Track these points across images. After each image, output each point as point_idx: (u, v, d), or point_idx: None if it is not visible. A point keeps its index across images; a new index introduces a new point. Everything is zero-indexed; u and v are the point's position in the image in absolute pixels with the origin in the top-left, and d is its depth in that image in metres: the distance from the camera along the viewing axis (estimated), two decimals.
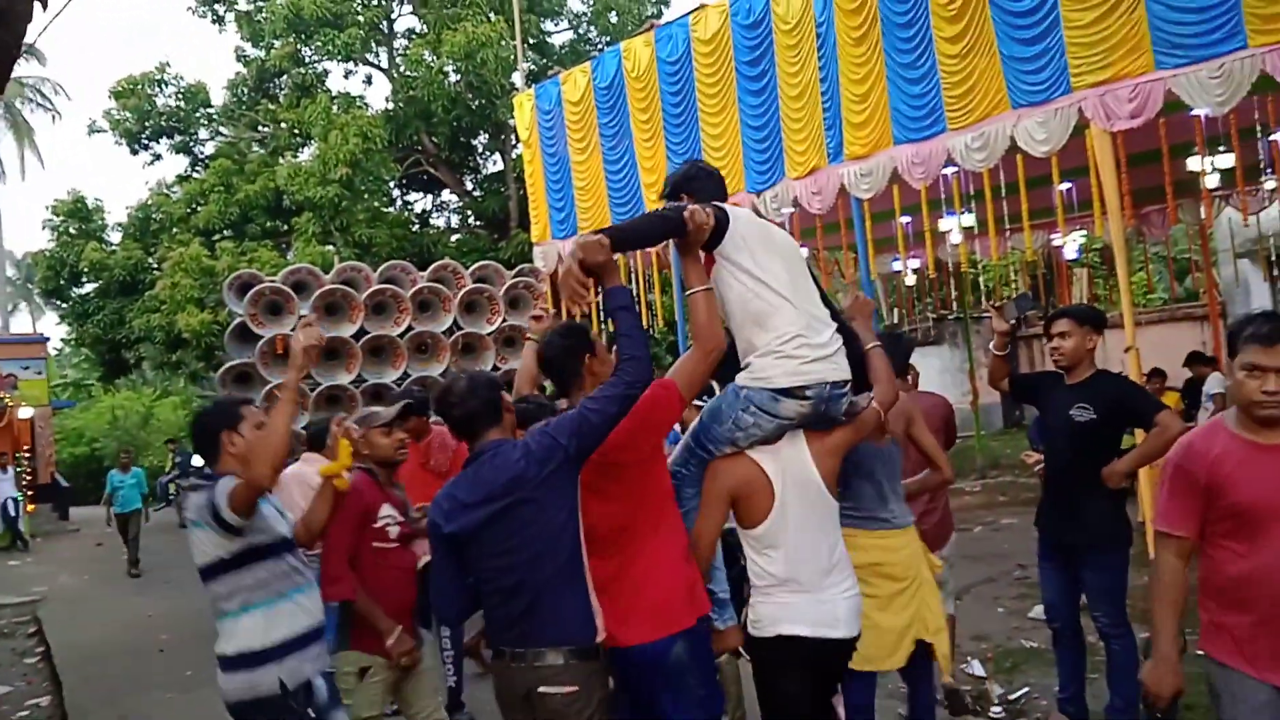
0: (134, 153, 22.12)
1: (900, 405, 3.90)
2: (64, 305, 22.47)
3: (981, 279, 19.57)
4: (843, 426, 3.28)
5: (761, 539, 3.20)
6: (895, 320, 20.85)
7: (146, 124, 21.56)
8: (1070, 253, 14.89)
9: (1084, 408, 4.52)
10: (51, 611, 11.24)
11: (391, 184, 21.68)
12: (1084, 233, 14.44)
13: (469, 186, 23.13)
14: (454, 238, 22.28)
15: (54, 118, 42.48)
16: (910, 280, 16.11)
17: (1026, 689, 5.55)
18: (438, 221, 24.26)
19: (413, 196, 24.32)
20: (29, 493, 20.11)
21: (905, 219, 10.65)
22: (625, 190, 11.97)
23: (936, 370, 19.35)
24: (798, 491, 3.18)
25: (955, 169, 9.19)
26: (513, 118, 16.16)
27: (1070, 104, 7.80)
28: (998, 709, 5.37)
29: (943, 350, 19.51)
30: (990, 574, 8.39)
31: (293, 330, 3.52)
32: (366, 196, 19.53)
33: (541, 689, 2.85)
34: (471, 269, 11.02)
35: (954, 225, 10.66)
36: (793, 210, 10.26)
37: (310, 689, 3.24)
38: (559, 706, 2.84)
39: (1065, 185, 9.68)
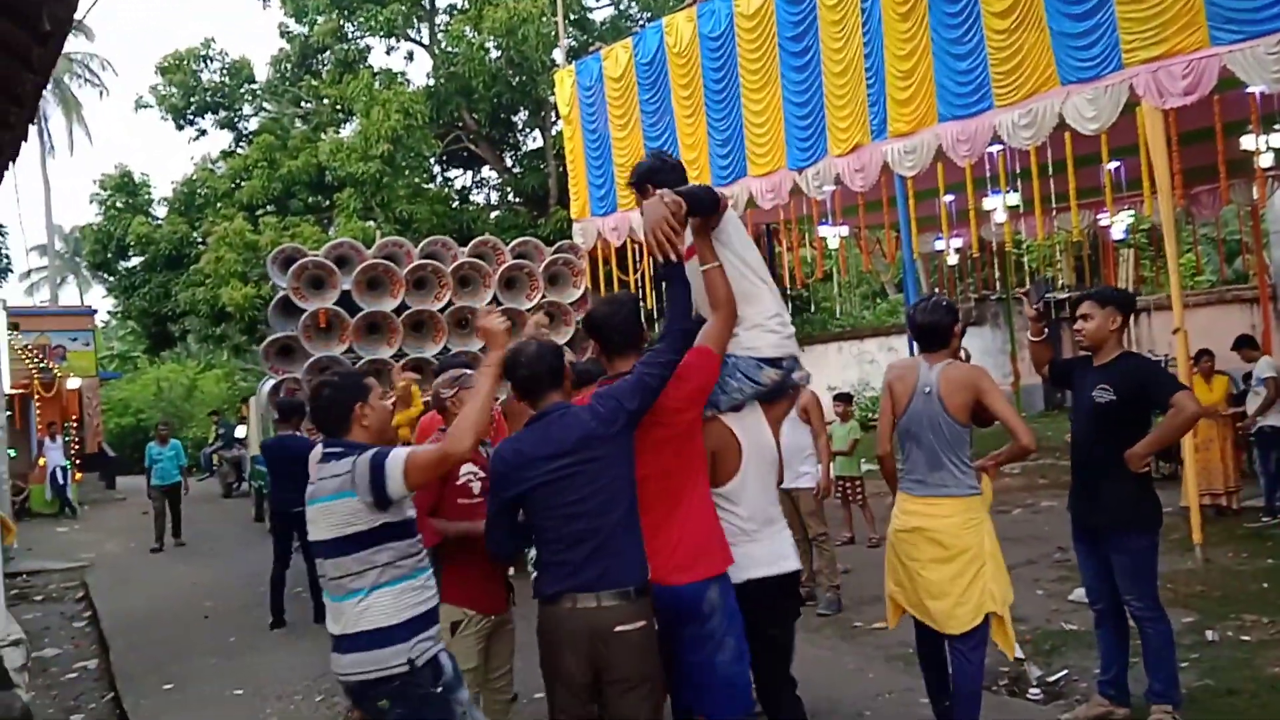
0: (179, 128, 22.37)
1: (967, 376, 4.17)
2: (111, 278, 22.85)
3: (1026, 259, 19.30)
4: (786, 398, 3.70)
5: (727, 495, 3.50)
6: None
7: (192, 100, 21.79)
8: (1117, 233, 14.65)
9: (1105, 389, 4.48)
10: (98, 578, 11.48)
11: (432, 160, 21.76)
12: (1132, 213, 14.19)
13: (509, 163, 23.16)
14: (493, 215, 22.33)
15: (101, 93, 42.96)
16: (952, 260, 15.94)
17: (1065, 671, 5.51)
18: (477, 198, 24.33)
19: (453, 173, 24.40)
20: (77, 461, 20.50)
21: (949, 197, 10.52)
22: None
23: (978, 352, 19.08)
24: (756, 453, 3.54)
25: (1001, 147, 9.07)
26: (553, 94, 16.16)
27: (1121, 80, 7.66)
28: (1035, 690, 5.33)
29: (984, 331, 19.25)
30: (1030, 556, 8.31)
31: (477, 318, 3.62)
32: (407, 173, 19.62)
33: (618, 628, 3.09)
34: (511, 245, 11.03)
35: (999, 204, 10.50)
36: (834, 188, 10.18)
37: (438, 666, 3.19)
38: (636, 640, 3.11)
39: (1114, 164, 9.51)
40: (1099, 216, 13.61)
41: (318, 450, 3.29)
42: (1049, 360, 4.98)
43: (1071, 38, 7.88)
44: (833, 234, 12.53)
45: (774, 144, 10.41)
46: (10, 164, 6.70)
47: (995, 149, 9.22)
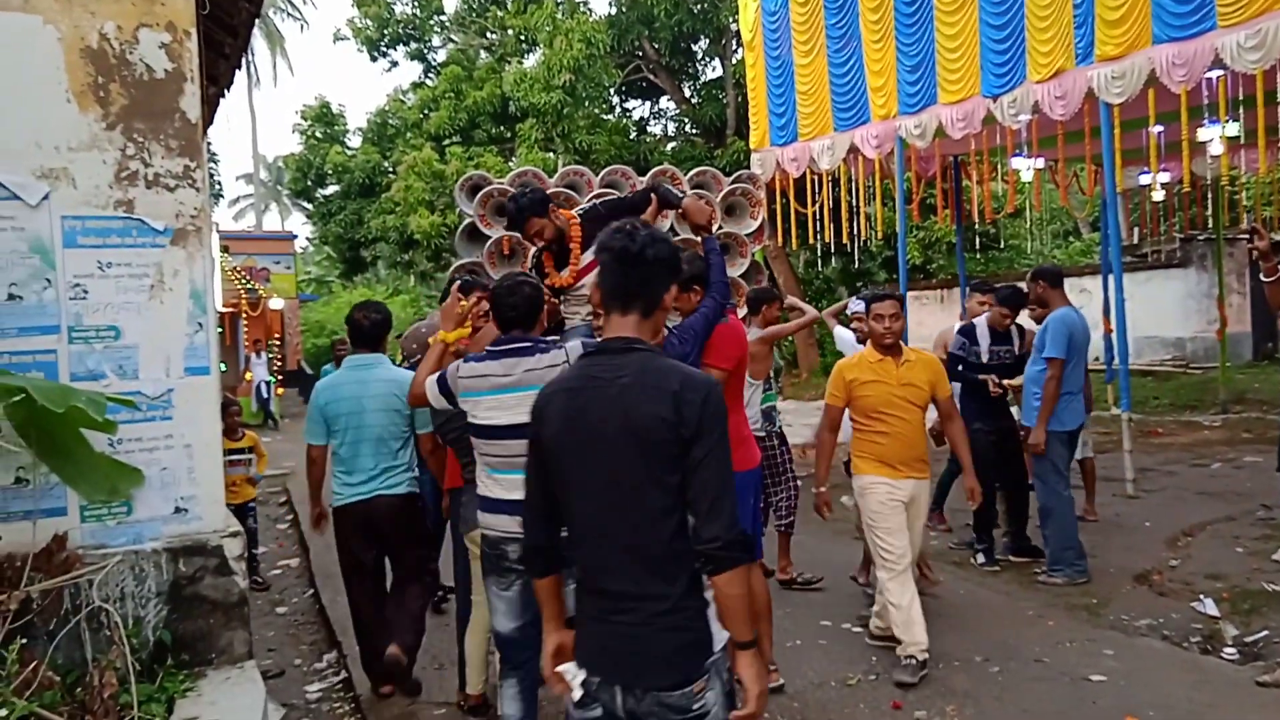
0: (373, 59, 23.24)
1: None
2: (309, 205, 24.12)
3: (1242, 196, 17.83)
4: None
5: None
6: (1135, 240, 19.38)
7: (385, 31, 22.55)
8: None
9: None
10: (299, 484, 12.26)
11: (611, 91, 21.85)
12: None
13: (687, 93, 23.01)
14: (670, 146, 22.29)
15: (302, 26, 45.14)
16: (1158, 196, 14.89)
17: (1265, 632, 5.19)
18: (654, 129, 24.32)
19: (631, 104, 24.46)
20: (279, 377, 21.94)
21: (1158, 128, 9.78)
22: (850, 95, 11.57)
23: (1179, 296, 17.92)
24: None
25: (1222, 71, 8.34)
26: (736, 20, 15.89)
27: None
28: (1231, 650, 5.06)
29: (1189, 274, 17.97)
30: (1230, 512, 7.83)
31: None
32: (587, 103, 19.77)
33: None
34: (690, 175, 10.97)
35: (1216, 135, 9.71)
36: (1031, 116, 9.65)
37: None
38: None
39: None
40: None
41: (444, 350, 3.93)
42: None
43: None
44: (1026, 166, 11.87)
45: (968, 69, 9.92)
46: (225, 92, 7.11)
47: (1215, 74, 8.48)
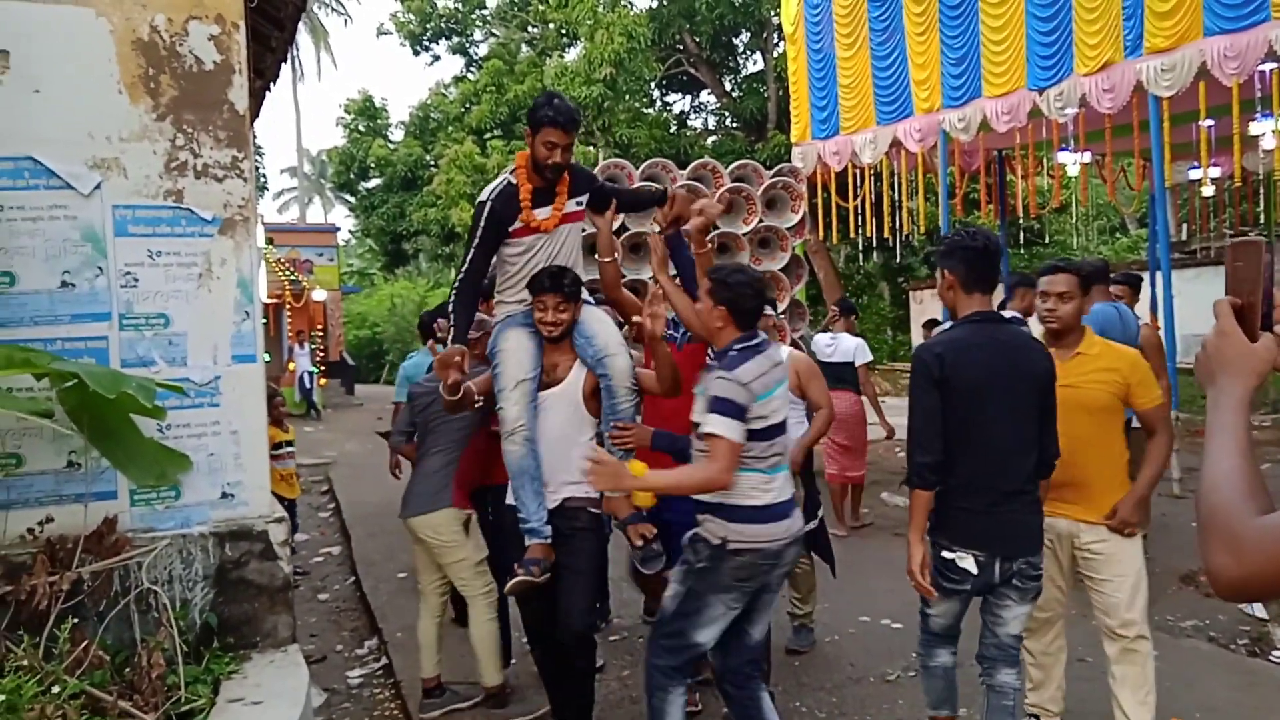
0: (415, 54, 23.40)
1: None
2: (352, 199, 24.34)
3: None
4: None
5: None
6: (1184, 236, 19.06)
7: (428, 26, 22.71)
8: None
9: None
10: (340, 474, 12.44)
11: (652, 84, 21.83)
12: None
13: (728, 87, 22.93)
14: (710, 140, 22.23)
15: (346, 21, 45.47)
16: (1208, 191, 14.63)
17: None
18: (695, 123, 24.27)
19: (672, 97, 24.41)
20: (322, 368, 22.14)
21: (1209, 122, 9.60)
22: (893, 88, 11.47)
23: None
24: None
25: (1276, 64, 8.19)
26: (777, 13, 15.81)
27: None
28: (1279, 654, 4.97)
29: None
30: None
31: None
32: (628, 97, 19.77)
33: None
34: (730, 168, 10.93)
35: (1268, 129, 9.53)
36: (1078, 110, 9.51)
37: None
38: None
39: None
40: None
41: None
42: None
43: None
44: (1073, 161, 11.71)
45: (1014, 62, 9.80)
46: (270, 85, 7.19)
47: (1268, 66, 8.33)
